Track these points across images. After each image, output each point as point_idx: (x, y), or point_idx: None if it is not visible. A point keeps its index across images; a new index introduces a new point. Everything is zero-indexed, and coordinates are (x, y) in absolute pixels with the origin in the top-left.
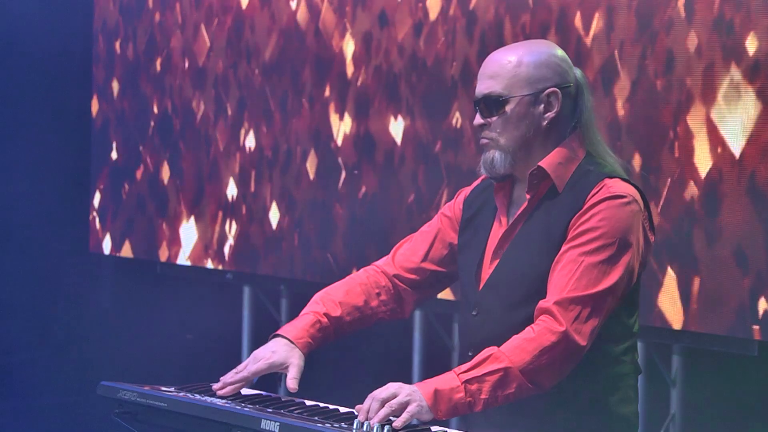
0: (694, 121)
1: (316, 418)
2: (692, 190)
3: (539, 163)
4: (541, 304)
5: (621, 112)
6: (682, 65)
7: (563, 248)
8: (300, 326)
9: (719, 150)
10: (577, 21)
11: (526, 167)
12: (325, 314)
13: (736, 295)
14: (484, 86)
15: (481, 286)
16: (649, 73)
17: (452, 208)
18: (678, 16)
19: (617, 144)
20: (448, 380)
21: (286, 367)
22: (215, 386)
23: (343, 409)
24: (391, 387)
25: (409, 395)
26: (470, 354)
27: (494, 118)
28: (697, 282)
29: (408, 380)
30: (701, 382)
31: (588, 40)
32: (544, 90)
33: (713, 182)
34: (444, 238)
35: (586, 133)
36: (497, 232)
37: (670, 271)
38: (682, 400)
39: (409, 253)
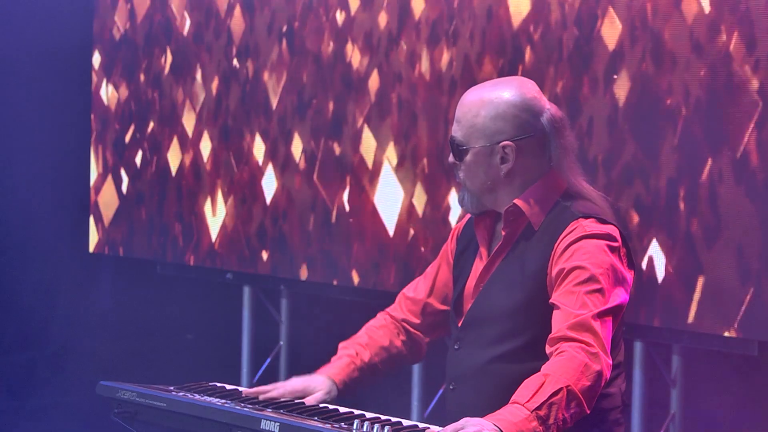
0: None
1: (316, 418)
2: (692, 189)
3: (515, 201)
4: (555, 334)
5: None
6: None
7: (556, 292)
8: (337, 366)
9: (721, 149)
10: None
11: (500, 206)
12: (357, 355)
13: (736, 295)
14: (452, 128)
15: (460, 322)
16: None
17: (448, 244)
18: None
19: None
20: (517, 413)
21: (315, 393)
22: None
23: (342, 409)
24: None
25: None
26: (451, 387)
27: (460, 162)
28: (697, 282)
29: (407, 379)
30: (701, 382)
31: None
32: (498, 142)
33: (714, 182)
34: (444, 276)
35: (562, 173)
36: (477, 267)
37: (670, 271)
38: (682, 400)
39: (413, 295)
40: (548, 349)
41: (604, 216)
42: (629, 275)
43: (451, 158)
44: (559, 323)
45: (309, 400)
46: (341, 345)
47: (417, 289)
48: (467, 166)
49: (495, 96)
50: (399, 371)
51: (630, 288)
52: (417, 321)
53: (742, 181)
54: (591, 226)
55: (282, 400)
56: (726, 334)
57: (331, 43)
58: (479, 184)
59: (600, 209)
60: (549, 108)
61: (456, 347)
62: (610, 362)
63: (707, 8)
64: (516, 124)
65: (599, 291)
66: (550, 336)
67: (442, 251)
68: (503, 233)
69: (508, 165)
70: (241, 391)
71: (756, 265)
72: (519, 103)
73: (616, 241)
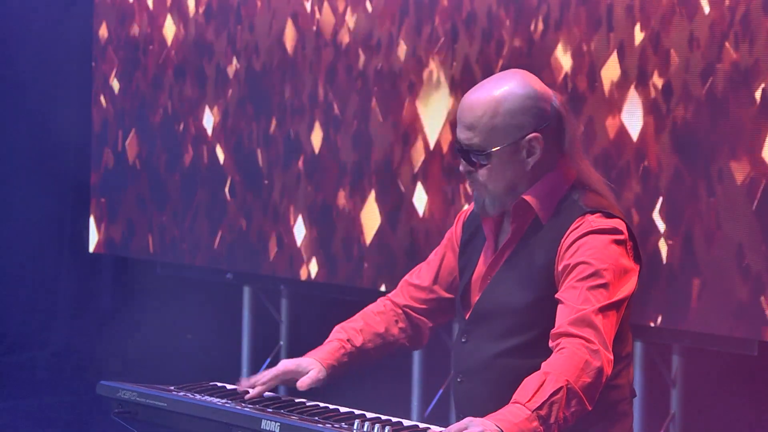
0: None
1: (316, 418)
2: (692, 189)
3: (523, 195)
4: (556, 329)
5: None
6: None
7: (561, 287)
8: (326, 350)
9: (723, 151)
10: None
11: (514, 201)
12: (348, 340)
13: (736, 295)
14: (464, 136)
15: (468, 315)
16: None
17: (453, 231)
18: None
19: None
20: (518, 413)
21: (308, 372)
22: (241, 387)
23: (343, 409)
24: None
25: None
26: (459, 380)
27: (478, 169)
28: (697, 282)
29: (407, 379)
30: (701, 382)
31: None
32: (524, 137)
33: (713, 181)
34: (449, 263)
35: (572, 159)
36: (484, 259)
37: (670, 271)
38: (682, 400)
39: (418, 281)
40: (550, 344)
41: (611, 209)
42: (635, 268)
43: (463, 167)
44: (561, 318)
45: (302, 382)
46: (335, 328)
47: (421, 275)
48: (491, 169)
49: (505, 92)
50: (396, 357)
51: (636, 281)
52: (420, 307)
53: (742, 180)
54: (597, 221)
55: (282, 399)
56: (726, 334)
57: None
58: (504, 184)
59: (607, 202)
60: (554, 93)
61: (463, 340)
62: (611, 358)
63: None
64: (535, 114)
65: (603, 286)
66: (552, 331)
67: (447, 238)
68: (511, 227)
69: (535, 157)
70: (241, 391)
71: (756, 265)
72: (531, 93)
73: (621, 234)
